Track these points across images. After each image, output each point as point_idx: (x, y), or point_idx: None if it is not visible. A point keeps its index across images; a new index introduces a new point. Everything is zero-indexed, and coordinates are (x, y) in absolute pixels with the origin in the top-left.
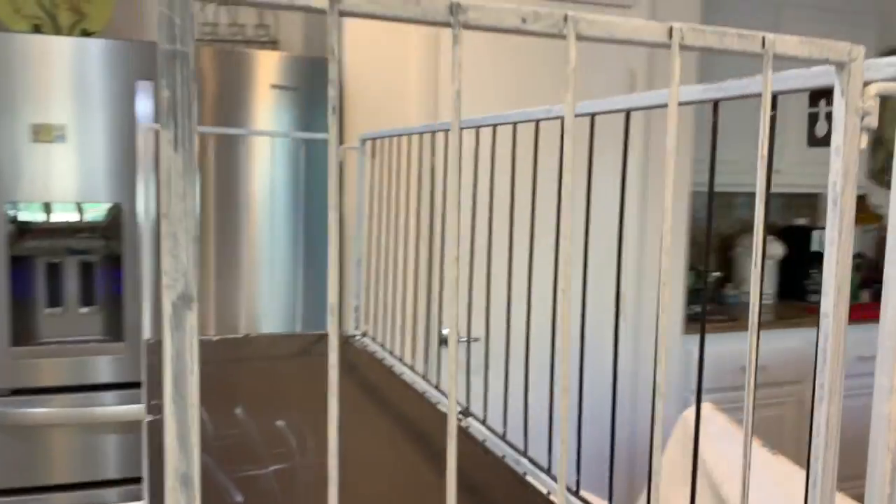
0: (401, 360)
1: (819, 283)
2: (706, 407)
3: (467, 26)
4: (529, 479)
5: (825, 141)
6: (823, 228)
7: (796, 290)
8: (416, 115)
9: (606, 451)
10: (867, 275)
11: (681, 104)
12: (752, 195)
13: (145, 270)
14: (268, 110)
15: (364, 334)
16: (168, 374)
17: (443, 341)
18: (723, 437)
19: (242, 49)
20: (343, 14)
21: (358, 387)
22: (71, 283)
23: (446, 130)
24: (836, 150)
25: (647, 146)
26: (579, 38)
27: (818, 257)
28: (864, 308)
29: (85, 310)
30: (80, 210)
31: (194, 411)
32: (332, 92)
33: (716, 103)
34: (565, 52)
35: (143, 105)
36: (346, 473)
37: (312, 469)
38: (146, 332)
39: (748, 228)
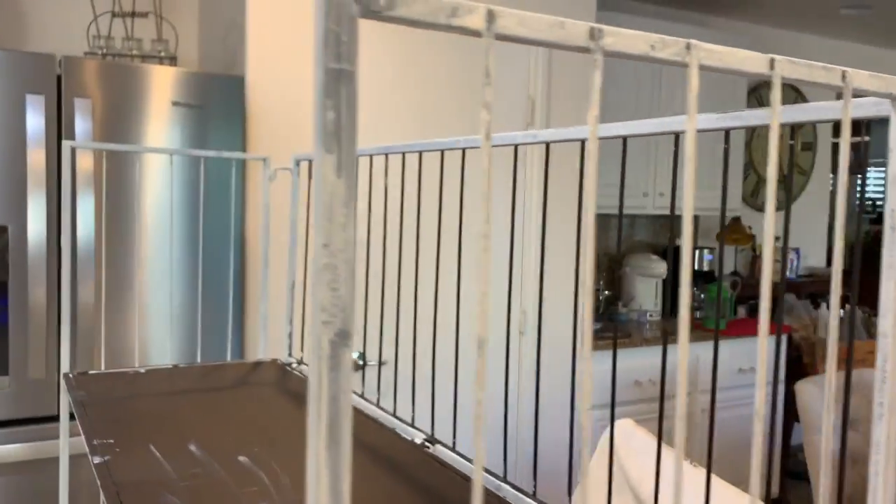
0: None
1: (700, 301)
2: (626, 423)
3: (606, 52)
4: None
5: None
6: (703, 248)
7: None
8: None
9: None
10: (742, 292)
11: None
12: (635, 217)
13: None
14: (164, 127)
15: (300, 361)
16: (322, 419)
17: (359, 367)
18: (645, 452)
19: (139, 64)
20: (499, 38)
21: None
22: None
23: (387, 153)
24: (893, 179)
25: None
26: (701, 67)
27: (699, 275)
28: (742, 324)
29: None
30: None
31: (347, 461)
32: (484, 116)
33: (727, 132)
34: (466, 86)
35: (33, 120)
36: None
37: None
38: (65, 365)
39: (633, 248)
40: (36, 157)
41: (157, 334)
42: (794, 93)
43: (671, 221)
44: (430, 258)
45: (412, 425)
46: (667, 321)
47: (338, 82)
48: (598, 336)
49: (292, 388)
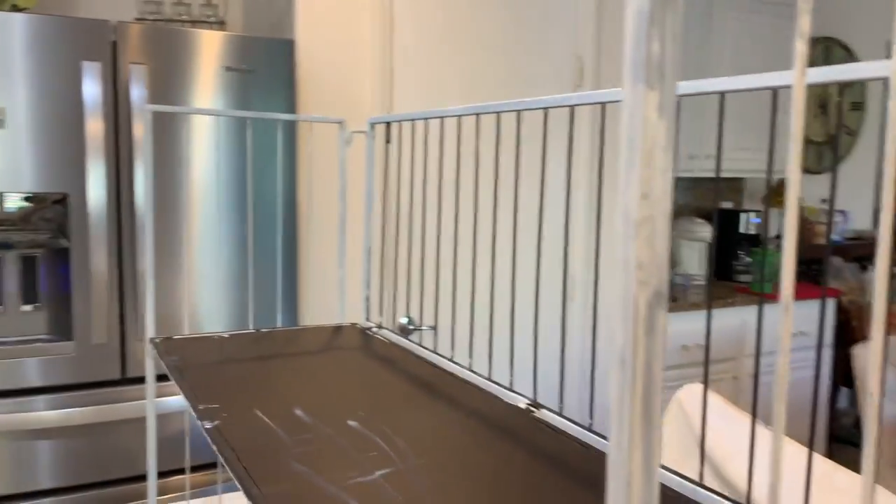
0: (434, 351)
1: (748, 265)
2: (697, 387)
3: None
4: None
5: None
6: (748, 211)
7: (726, 271)
8: (370, 100)
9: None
10: None
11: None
12: (685, 180)
13: (96, 264)
14: (215, 91)
15: (380, 326)
16: (636, 389)
17: (409, 331)
18: (718, 415)
19: (189, 28)
20: None
21: (408, 381)
22: (11, 280)
23: (459, 115)
24: None
25: (599, 138)
26: None
27: (745, 239)
28: (795, 286)
29: (27, 308)
30: (25, 201)
31: (659, 436)
32: (799, 47)
33: (774, 93)
34: (514, 48)
35: (90, 87)
36: (448, 473)
37: (423, 472)
38: (150, 331)
39: (678, 212)
40: (94, 125)
41: (207, 301)
42: (843, 51)
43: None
44: (487, 223)
45: (511, 389)
46: (712, 285)
47: (664, 9)
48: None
49: (378, 351)
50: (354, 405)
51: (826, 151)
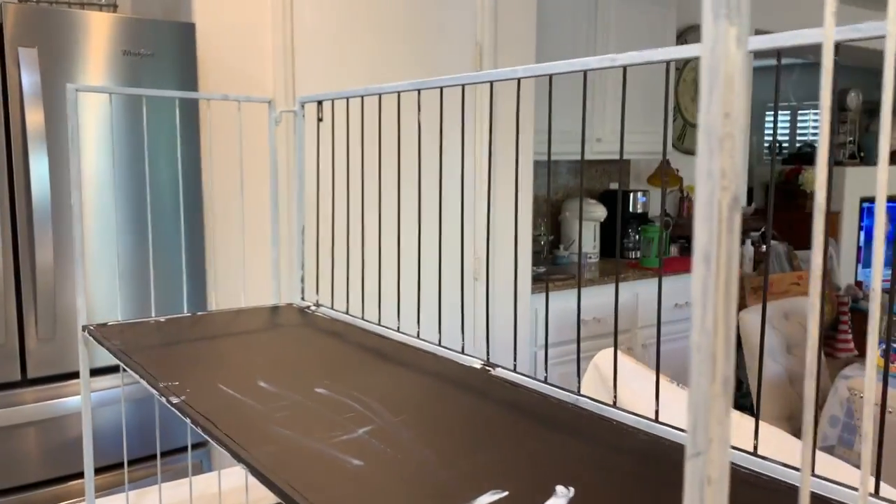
0: (380, 323)
1: (636, 242)
2: (611, 353)
3: None
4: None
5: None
6: (636, 191)
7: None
8: (272, 83)
9: None
10: (674, 231)
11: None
12: (576, 162)
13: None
14: (113, 76)
15: (317, 304)
16: (720, 277)
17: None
18: (635, 378)
19: (78, 10)
20: None
21: (362, 351)
22: None
23: (397, 92)
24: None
25: (492, 116)
26: None
27: (633, 217)
28: (675, 261)
29: None
30: None
31: (734, 314)
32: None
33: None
34: (415, 33)
35: (27, 73)
36: (426, 426)
37: (403, 427)
38: (82, 318)
39: (572, 194)
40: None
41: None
42: None
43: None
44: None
45: (464, 352)
46: (606, 262)
47: None
48: (542, 279)
49: (324, 326)
50: (316, 375)
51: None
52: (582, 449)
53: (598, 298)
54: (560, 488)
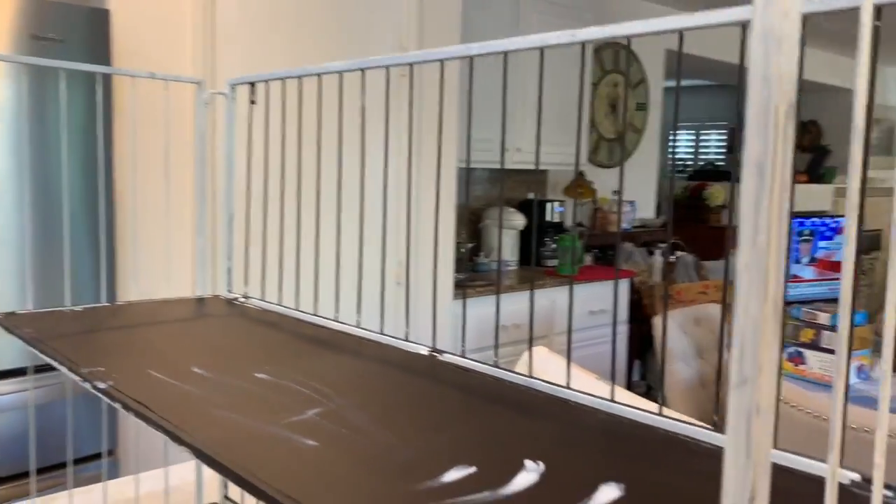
0: (316, 314)
1: (553, 250)
2: (541, 350)
3: None
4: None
5: None
6: (552, 201)
7: (534, 257)
8: (192, 71)
9: None
10: (589, 241)
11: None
12: (496, 171)
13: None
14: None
15: (246, 296)
16: (774, 189)
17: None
18: (562, 376)
19: None
20: None
21: (300, 339)
22: None
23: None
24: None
25: (416, 116)
26: None
27: (550, 226)
28: (590, 270)
29: None
30: None
31: (786, 227)
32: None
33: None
34: (338, 33)
35: None
36: (380, 407)
37: (355, 408)
38: None
39: (493, 202)
40: None
41: (9, 282)
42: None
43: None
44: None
45: (408, 339)
46: (524, 270)
47: None
48: (463, 285)
49: (256, 316)
50: (254, 361)
51: (616, 147)
52: (543, 427)
53: (516, 305)
54: (529, 462)
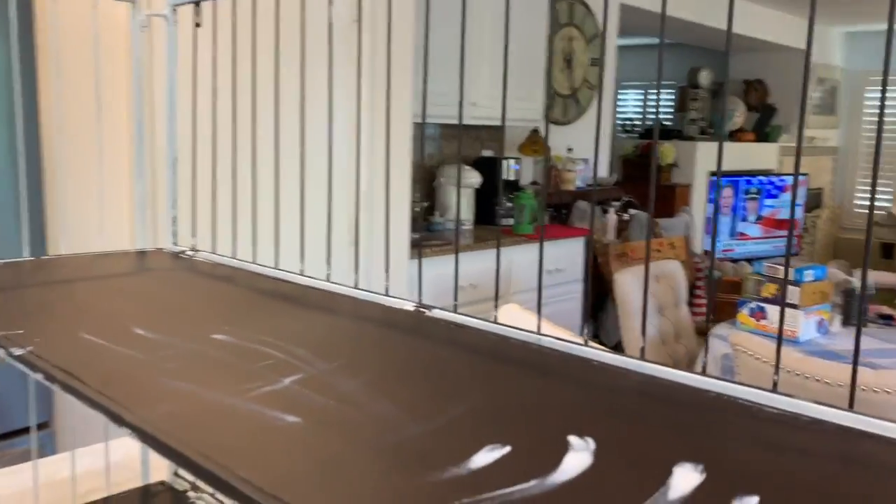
0: (277, 267)
1: (509, 209)
2: (513, 307)
3: None
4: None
5: None
6: (509, 158)
7: (490, 215)
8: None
9: None
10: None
11: None
12: (452, 126)
13: None
14: None
15: (195, 249)
16: None
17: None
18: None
19: None
20: None
21: (263, 295)
22: None
23: None
24: None
25: (373, 71)
26: None
27: (507, 185)
28: (546, 228)
29: None
30: None
31: None
32: None
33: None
34: None
35: None
36: (372, 372)
37: (342, 374)
38: None
39: (448, 160)
40: None
41: None
42: (583, 7)
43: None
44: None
45: (389, 294)
46: (480, 229)
47: None
48: (420, 244)
49: (207, 270)
50: (209, 320)
51: (571, 103)
52: (574, 393)
53: (474, 265)
54: (574, 439)
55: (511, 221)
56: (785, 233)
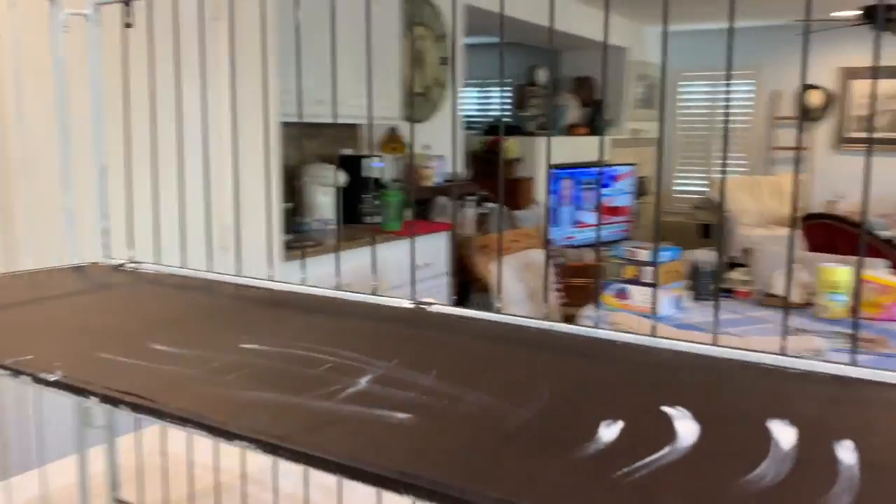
0: (240, 274)
1: (376, 207)
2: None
3: None
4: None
5: None
6: (369, 156)
7: (356, 214)
8: None
9: None
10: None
11: None
12: (316, 126)
13: None
14: None
15: (133, 261)
16: None
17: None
18: None
19: None
20: None
21: (255, 304)
22: None
23: None
24: None
25: (234, 68)
26: None
27: (370, 183)
28: (413, 224)
29: None
30: None
31: None
32: None
33: None
34: None
35: None
36: (427, 364)
37: (411, 371)
38: None
39: (309, 160)
40: None
41: None
42: (430, 7)
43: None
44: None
45: (377, 293)
46: (348, 228)
47: None
48: (289, 246)
49: (175, 283)
50: (220, 330)
51: (423, 102)
52: (630, 372)
53: (345, 263)
54: (670, 410)
55: (378, 219)
56: (620, 219)
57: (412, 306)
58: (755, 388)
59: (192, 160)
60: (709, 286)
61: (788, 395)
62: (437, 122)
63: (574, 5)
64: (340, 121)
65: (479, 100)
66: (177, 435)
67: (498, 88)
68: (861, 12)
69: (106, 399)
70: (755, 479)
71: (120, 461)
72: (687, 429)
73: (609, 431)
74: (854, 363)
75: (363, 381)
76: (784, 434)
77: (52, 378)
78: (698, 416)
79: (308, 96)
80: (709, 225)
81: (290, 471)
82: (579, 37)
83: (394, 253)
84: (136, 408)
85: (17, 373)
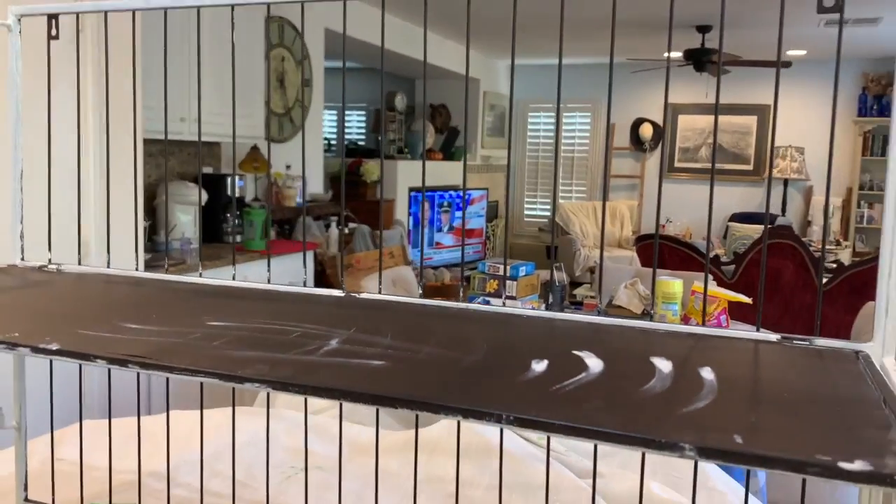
0: (167, 270)
1: (235, 225)
2: None
3: None
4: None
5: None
6: (232, 175)
7: (218, 232)
8: None
9: None
10: (273, 215)
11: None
12: (173, 143)
13: None
14: None
15: (54, 263)
16: None
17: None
18: None
19: None
20: None
21: (203, 295)
22: None
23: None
24: None
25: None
26: None
27: (232, 201)
28: (276, 244)
29: None
30: None
31: None
32: None
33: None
34: None
35: None
36: (440, 345)
37: (370, 335)
38: None
39: (163, 177)
40: None
41: None
42: (293, 29)
43: (233, 149)
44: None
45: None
46: (209, 247)
47: None
48: (148, 265)
49: (114, 279)
50: (179, 314)
51: (286, 122)
52: (534, 334)
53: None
54: (579, 353)
55: (240, 238)
56: (474, 241)
57: (342, 295)
58: (636, 340)
59: (60, 172)
60: (560, 298)
61: (661, 344)
62: (299, 142)
63: (430, 36)
64: (204, 139)
65: (332, 122)
66: (75, 440)
67: (350, 112)
68: (681, 54)
69: (112, 361)
70: (648, 389)
71: (30, 463)
72: (595, 363)
73: (539, 366)
74: (704, 325)
75: (333, 343)
76: (663, 364)
77: (53, 347)
78: (601, 356)
79: (155, 112)
80: (556, 246)
81: (195, 467)
82: (435, 66)
83: (257, 271)
84: (145, 366)
85: (13, 346)
